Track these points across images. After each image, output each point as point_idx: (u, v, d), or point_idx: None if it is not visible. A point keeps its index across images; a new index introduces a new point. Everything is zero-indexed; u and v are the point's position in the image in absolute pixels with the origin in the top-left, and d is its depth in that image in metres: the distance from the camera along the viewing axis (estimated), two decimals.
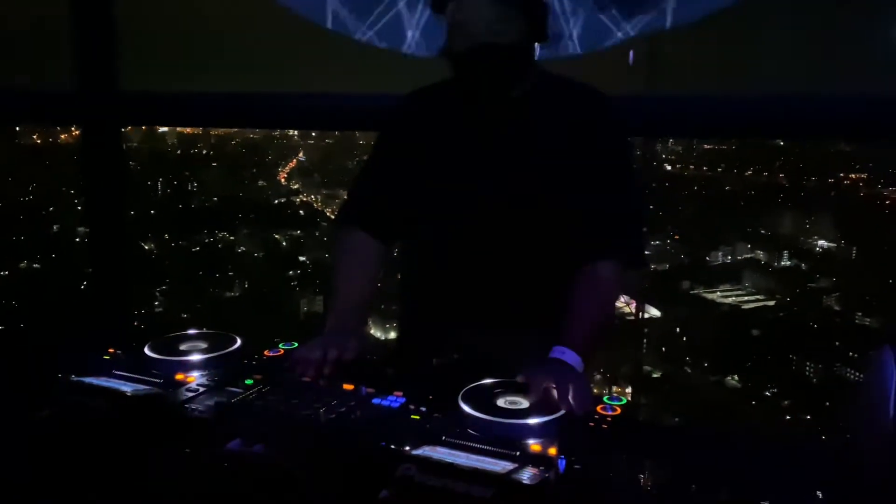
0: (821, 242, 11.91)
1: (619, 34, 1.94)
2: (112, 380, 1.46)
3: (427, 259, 1.75)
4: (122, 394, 1.38)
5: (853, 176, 11.77)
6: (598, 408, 1.31)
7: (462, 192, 1.65)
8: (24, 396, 1.44)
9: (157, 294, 10.95)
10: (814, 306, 11.19)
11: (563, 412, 1.27)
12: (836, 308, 11.04)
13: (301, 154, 12.47)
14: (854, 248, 11.86)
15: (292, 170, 13.24)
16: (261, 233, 12.08)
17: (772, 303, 11.48)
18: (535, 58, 1.60)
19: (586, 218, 1.57)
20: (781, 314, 11.55)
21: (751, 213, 12.83)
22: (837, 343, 10.44)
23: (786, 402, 10.28)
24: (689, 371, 11.31)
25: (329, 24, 2.15)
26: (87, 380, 1.45)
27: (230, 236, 11.88)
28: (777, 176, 11.99)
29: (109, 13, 2.41)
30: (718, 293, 11.91)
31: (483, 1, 1.48)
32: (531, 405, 1.29)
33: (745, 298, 11.65)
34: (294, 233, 12.18)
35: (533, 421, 1.24)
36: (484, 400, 1.31)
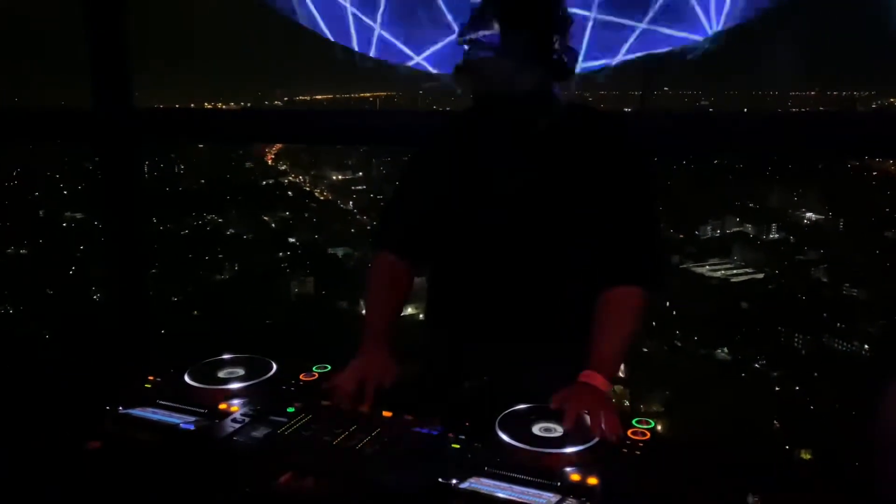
0: (808, 214, 12.03)
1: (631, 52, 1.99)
2: (158, 410, 1.50)
3: (453, 279, 1.80)
4: (173, 426, 1.43)
5: None
6: (629, 432, 1.38)
7: (487, 217, 1.69)
8: (71, 428, 1.48)
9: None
10: (802, 278, 11.34)
11: (597, 440, 1.33)
12: (824, 280, 11.19)
13: None
14: (841, 220, 12.00)
15: (280, 150, 13.19)
16: (249, 214, 12.05)
17: (760, 276, 11.60)
18: (556, 89, 1.63)
19: (609, 244, 1.62)
20: (770, 287, 11.67)
21: (739, 186, 12.90)
22: (825, 314, 10.60)
23: (775, 374, 10.43)
24: (680, 344, 11.45)
25: (373, 53, 2.17)
26: (135, 412, 1.49)
27: (219, 218, 11.84)
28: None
29: (123, 32, 2.42)
30: (708, 267, 12.01)
31: (499, 52, 1.51)
32: (565, 432, 1.35)
33: (735, 272, 11.77)
34: (283, 214, 12.16)
35: (570, 450, 1.30)
36: (520, 427, 1.37)
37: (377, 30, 2.30)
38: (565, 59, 1.56)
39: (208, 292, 11.05)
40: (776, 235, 12.52)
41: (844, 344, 10.41)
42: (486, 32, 1.50)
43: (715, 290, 11.70)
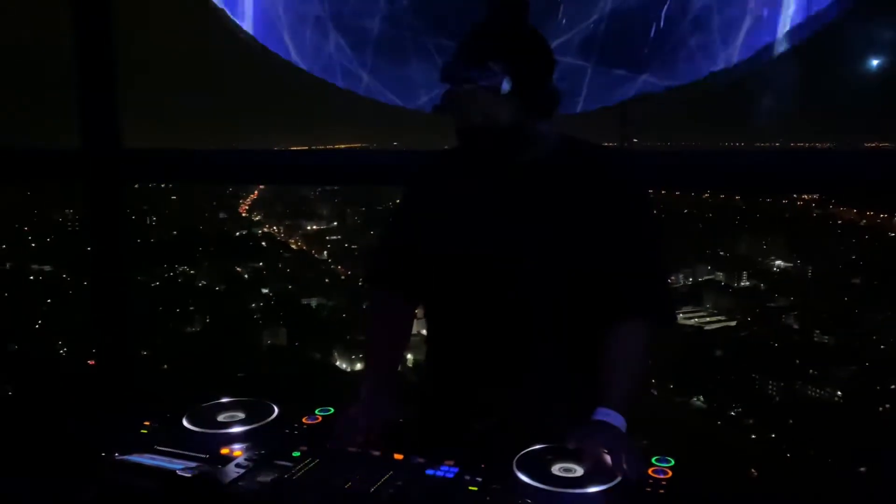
0: (777, 262, 12.24)
1: (627, 92, 2.01)
2: (156, 457, 1.43)
3: (452, 318, 1.76)
4: (172, 473, 1.36)
5: (806, 197, 12.15)
6: (650, 471, 1.34)
7: (482, 253, 1.66)
8: (66, 475, 1.41)
9: None
10: (773, 325, 11.47)
11: (618, 479, 1.29)
12: (795, 326, 11.32)
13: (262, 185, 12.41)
14: (809, 268, 12.22)
15: (254, 201, 13.16)
16: (222, 265, 11.94)
17: (733, 323, 11.70)
18: (544, 124, 1.63)
19: (615, 280, 1.59)
20: (743, 334, 11.76)
21: (709, 235, 13.11)
22: (797, 361, 10.70)
23: (750, 421, 10.44)
24: (656, 393, 11.46)
25: (340, 83, 2.19)
26: (133, 458, 1.42)
27: (190, 270, 11.71)
28: (733, 198, 12.31)
29: (113, 72, 2.40)
30: (681, 315, 12.10)
31: (477, 86, 1.49)
32: (586, 472, 1.31)
33: (707, 319, 11.86)
34: (256, 265, 12.07)
35: (592, 490, 1.26)
36: (538, 468, 1.33)
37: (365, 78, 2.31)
38: (547, 95, 1.57)
39: (179, 345, 10.86)
40: (746, 283, 12.68)
41: (817, 390, 10.46)
42: (469, 68, 1.51)
43: (688, 338, 11.76)
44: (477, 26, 1.57)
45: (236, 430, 1.53)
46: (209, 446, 1.47)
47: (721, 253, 13.04)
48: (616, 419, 1.46)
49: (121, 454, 1.43)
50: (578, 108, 2.05)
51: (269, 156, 2.50)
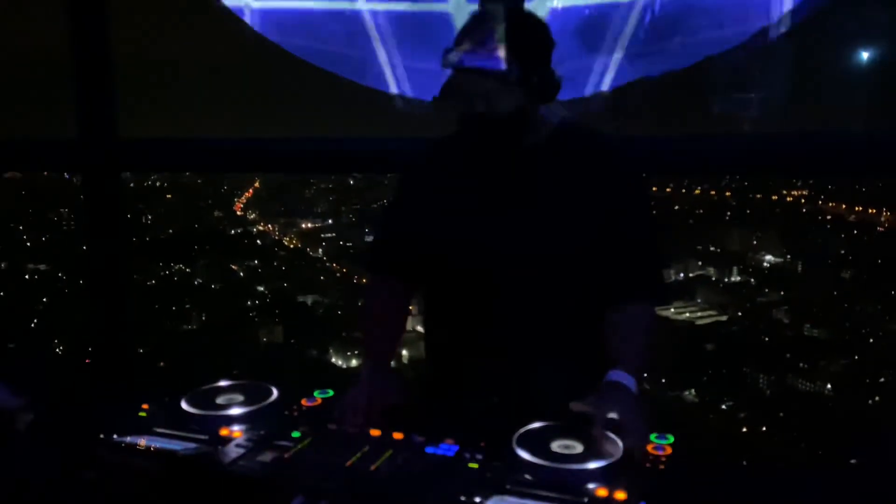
0: (768, 257, 12.32)
1: (623, 77, 2.02)
2: (155, 438, 1.44)
3: (450, 302, 1.77)
4: (172, 453, 1.36)
5: (795, 193, 12.23)
6: (649, 447, 1.34)
7: (482, 238, 1.67)
8: (64, 457, 1.40)
9: None
10: (764, 319, 11.54)
11: (620, 455, 1.29)
12: (785, 321, 11.39)
13: (257, 183, 12.38)
14: (799, 262, 12.29)
15: (248, 200, 13.12)
16: (218, 264, 11.92)
17: (724, 318, 11.75)
18: (545, 109, 1.64)
19: (614, 262, 1.60)
20: (734, 328, 11.80)
21: (700, 230, 13.16)
22: (788, 354, 10.76)
23: (742, 415, 10.48)
24: (648, 387, 11.49)
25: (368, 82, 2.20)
26: (131, 439, 1.42)
27: (186, 268, 11.69)
28: (724, 194, 12.36)
29: (109, 61, 2.40)
30: (673, 310, 12.15)
31: (481, 72, 1.50)
32: (585, 449, 1.32)
33: (699, 314, 11.92)
34: (251, 263, 12.06)
35: (592, 466, 1.27)
36: (538, 445, 1.33)
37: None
38: (549, 80, 1.58)
39: (175, 343, 10.86)
40: (737, 278, 12.72)
41: (808, 383, 10.51)
42: (471, 54, 1.51)
43: (680, 332, 11.81)
44: (479, 12, 1.58)
45: (235, 411, 1.52)
46: (208, 428, 1.47)
47: (712, 248, 13.12)
48: (628, 381, 1.46)
49: (120, 436, 1.43)
50: (574, 95, 2.07)
51: (265, 143, 2.50)
